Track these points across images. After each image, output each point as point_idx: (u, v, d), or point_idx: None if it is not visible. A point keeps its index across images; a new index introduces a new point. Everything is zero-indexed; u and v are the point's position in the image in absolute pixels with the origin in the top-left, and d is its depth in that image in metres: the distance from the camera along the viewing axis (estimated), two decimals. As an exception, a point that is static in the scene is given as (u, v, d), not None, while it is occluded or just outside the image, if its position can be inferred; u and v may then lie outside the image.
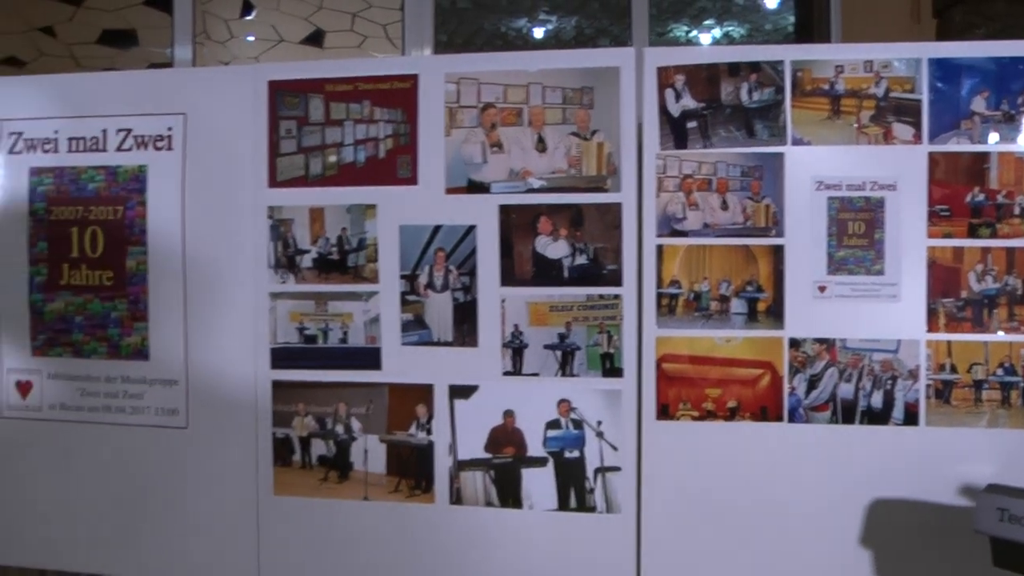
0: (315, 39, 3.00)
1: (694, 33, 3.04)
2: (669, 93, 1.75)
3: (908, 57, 1.70)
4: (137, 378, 1.94)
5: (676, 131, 1.75)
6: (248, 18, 3.00)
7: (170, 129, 1.91)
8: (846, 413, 1.71)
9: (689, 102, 1.75)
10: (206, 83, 1.93)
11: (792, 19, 3.05)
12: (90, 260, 1.95)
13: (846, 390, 1.71)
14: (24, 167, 1.98)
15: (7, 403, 2.01)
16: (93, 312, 1.95)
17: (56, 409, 1.98)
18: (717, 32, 3.06)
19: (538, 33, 3.12)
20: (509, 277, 1.79)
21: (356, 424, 1.84)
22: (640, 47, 1.79)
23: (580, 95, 1.77)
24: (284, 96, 1.86)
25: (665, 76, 1.75)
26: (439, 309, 1.81)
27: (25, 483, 2.02)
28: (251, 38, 3.00)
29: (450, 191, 1.80)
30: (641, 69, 1.76)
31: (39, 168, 1.98)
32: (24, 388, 1.99)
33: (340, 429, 1.85)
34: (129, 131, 1.93)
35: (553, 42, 3.07)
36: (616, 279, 1.76)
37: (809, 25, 3.02)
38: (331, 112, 1.84)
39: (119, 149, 1.94)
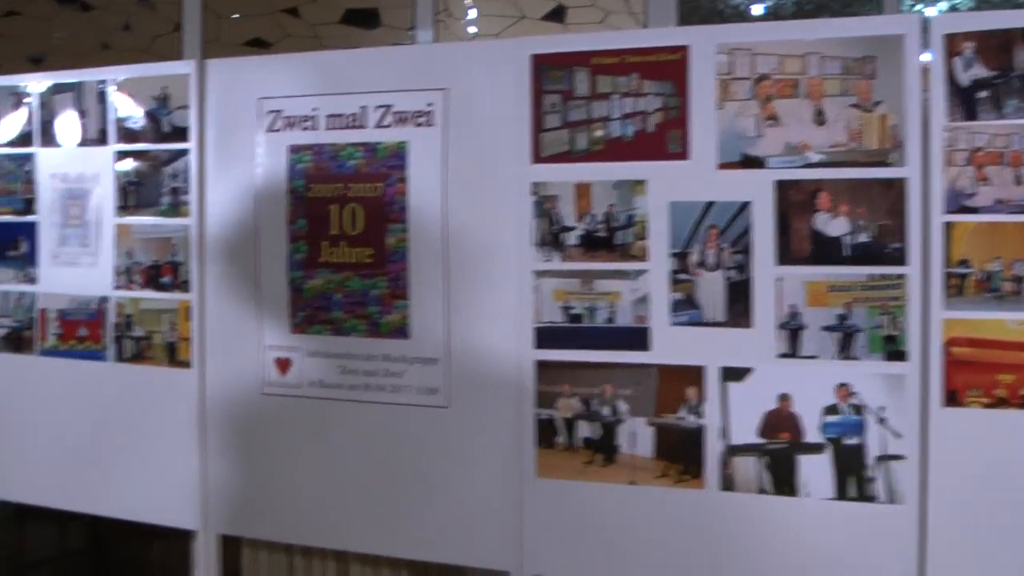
0: (557, 15, 3.47)
1: (918, 7, 3.36)
2: (957, 62, 2.07)
3: None
4: (397, 356, 2.41)
5: (965, 102, 2.05)
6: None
7: (431, 105, 2.36)
8: None
9: (980, 71, 2.05)
10: (468, 58, 2.35)
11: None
12: (350, 237, 2.43)
13: None
14: (283, 145, 2.48)
15: (267, 380, 2.53)
16: (353, 289, 2.44)
17: (315, 386, 2.49)
18: (943, 5, 3.37)
19: (756, 10, 3.52)
20: (785, 255, 2.13)
21: (623, 406, 2.26)
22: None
23: (861, 65, 2.09)
24: (548, 70, 2.29)
25: (953, 44, 2.06)
26: (711, 288, 2.19)
27: (283, 459, 2.52)
28: (472, 13, 3.52)
29: (723, 166, 2.16)
30: (927, 37, 2.09)
31: (298, 146, 2.46)
32: (283, 365, 2.52)
33: (606, 411, 2.27)
34: (389, 107, 2.39)
35: (771, 19, 3.45)
36: (900, 258, 2.07)
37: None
38: (597, 85, 2.24)
39: (379, 126, 2.40)
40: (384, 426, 2.41)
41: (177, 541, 2.74)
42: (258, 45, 3.68)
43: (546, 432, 2.30)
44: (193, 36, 3.69)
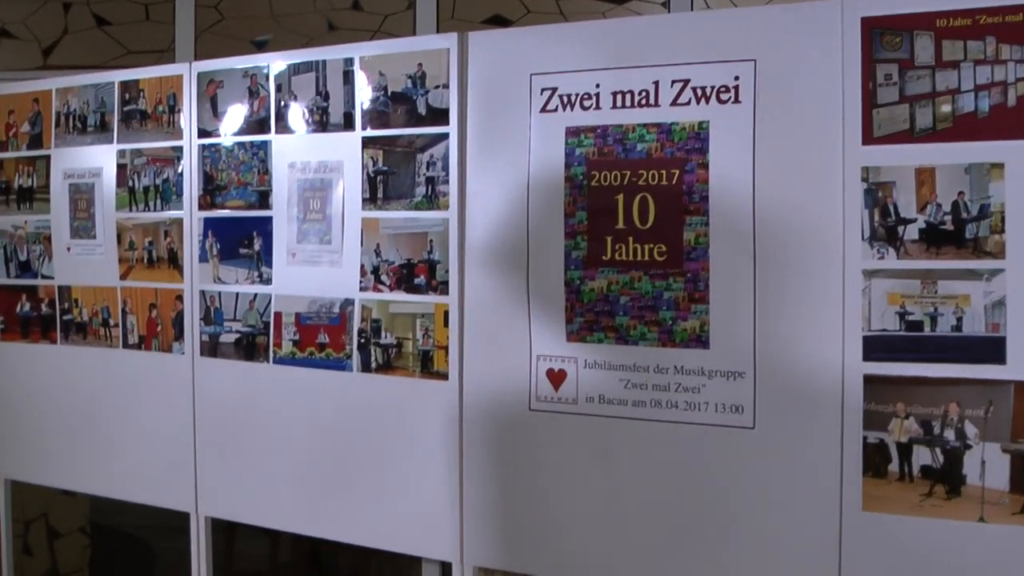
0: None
1: None
2: None
3: None
4: (694, 369, 2.36)
5: None
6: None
7: (737, 78, 2.31)
8: None
9: None
10: (781, 23, 2.29)
11: None
12: (638, 232, 2.39)
13: None
14: (559, 127, 2.46)
15: (536, 394, 2.51)
16: (642, 292, 2.39)
17: (594, 403, 2.45)
18: None
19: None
20: None
21: (971, 429, 2.15)
22: None
23: None
24: (882, 35, 2.21)
25: None
26: (1085, 291, 2.07)
27: (552, 484, 2.50)
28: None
29: (1104, 146, 2.02)
30: None
31: (577, 128, 2.44)
32: (557, 378, 2.49)
33: (950, 435, 2.17)
34: (687, 82, 2.35)
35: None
36: None
37: None
38: (943, 52, 2.16)
39: (674, 103, 2.35)
40: (676, 449, 2.38)
41: (394, 558, 2.74)
42: (498, 23, 3.72)
43: (875, 458, 2.22)
44: (428, 14, 3.75)
